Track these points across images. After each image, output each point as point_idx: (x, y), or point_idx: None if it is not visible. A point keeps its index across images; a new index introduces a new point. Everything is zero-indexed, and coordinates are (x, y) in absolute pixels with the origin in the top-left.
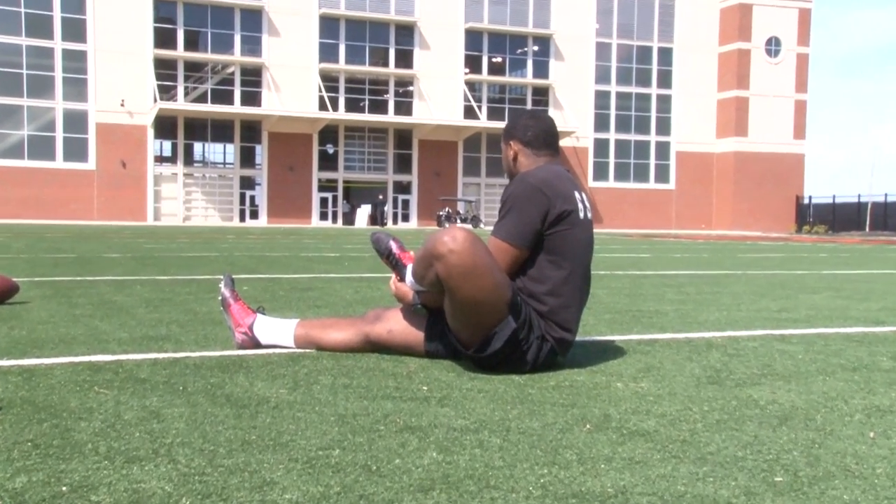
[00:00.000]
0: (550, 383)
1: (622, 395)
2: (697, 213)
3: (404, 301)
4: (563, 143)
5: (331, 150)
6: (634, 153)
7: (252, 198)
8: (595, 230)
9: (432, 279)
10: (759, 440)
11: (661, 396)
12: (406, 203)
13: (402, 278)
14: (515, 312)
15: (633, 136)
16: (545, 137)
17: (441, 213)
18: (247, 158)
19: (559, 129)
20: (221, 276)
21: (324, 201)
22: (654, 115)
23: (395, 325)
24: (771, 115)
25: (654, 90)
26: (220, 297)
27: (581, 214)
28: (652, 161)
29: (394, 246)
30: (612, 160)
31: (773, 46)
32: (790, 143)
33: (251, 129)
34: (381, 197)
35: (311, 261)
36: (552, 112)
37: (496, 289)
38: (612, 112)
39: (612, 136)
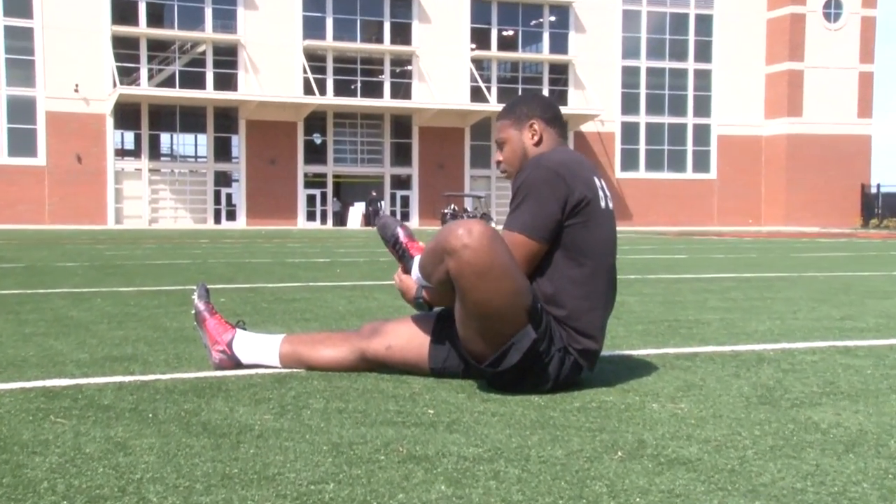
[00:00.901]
0: (575, 405)
1: (658, 417)
2: (743, 207)
3: (407, 296)
4: (585, 128)
5: (318, 141)
6: (669, 138)
7: (228, 196)
8: (624, 228)
9: (441, 277)
10: (821, 469)
11: (705, 419)
12: (405, 200)
13: (407, 270)
14: (535, 321)
15: (666, 119)
16: (559, 118)
17: (446, 210)
18: (222, 151)
19: (581, 111)
20: (194, 287)
21: (311, 199)
22: (691, 93)
23: (395, 340)
24: (830, 91)
25: (691, 64)
26: (193, 312)
27: (602, 203)
28: (689, 147)
29: (401, 233)
30: (642, 147)
31: (832, 10)
32: (853, 124)
33: (226, 118)
34: (374, 193)
35: (298, 267)
36: (573, 93)
37: (515, 293)
38: (643, 91)
39: (643, 118)
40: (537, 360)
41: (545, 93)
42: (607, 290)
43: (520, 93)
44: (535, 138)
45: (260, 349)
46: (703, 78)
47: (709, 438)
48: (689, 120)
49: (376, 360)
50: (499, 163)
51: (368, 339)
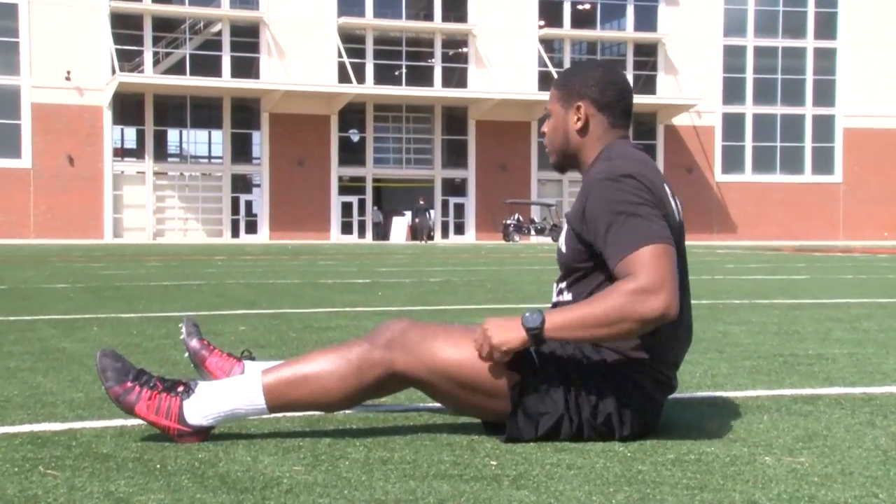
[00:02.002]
0: (669, 456)
1: (773, 473)
2: (877, 217)
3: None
4: (678, 120)
5: (355, 138)
6: (782, 133)
7: (248, 204)
8: (728, 243)
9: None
10: None
11: (831, 477)
12: (460, 209)
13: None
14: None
15: (779, 109)
16: (627, 103)
17: (508, 221)
18: (241, 150)
19: (672, 100)
20: (181, 324)
21: (347, 208)
22: (810, 77)
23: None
24: None
25: (810, 42)
26: (187, 354)
27: (676, 217)
28: (808, 143)
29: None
30: (749, 143)
31: None
32: None
33: (246, 110)
34: (422, 202)
35: (332, 290)
36: (663, 79)
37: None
38: (749, 76)
39: (750, 109)
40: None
41: (629, 78)
42: (686, 316)
43: None
44: (579, 124)
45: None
46: (826, 58)
47: (836, 501)
48: (808, 110)
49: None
50: (542, 133)
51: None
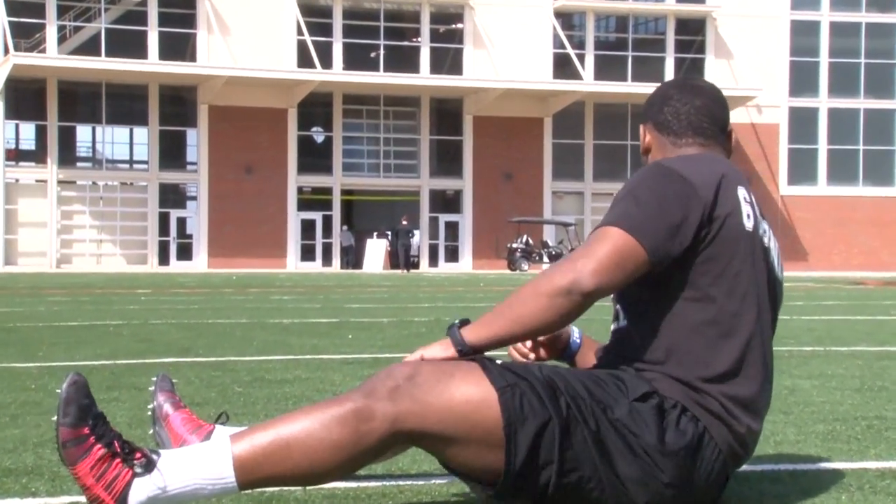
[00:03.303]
0: None
1: None
2: None
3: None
4: (735, 116)
5: (320, 138)
6: (866, 134)
7: (181, 223)
8: (794, 273)
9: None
10: None
11: None
12: (453, 229)
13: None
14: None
15: (862, 103)
16: (694, 117)
17: (515, 245)
18: (172, 153)
19: (725, 92)
20: (154, 378)
21: (308, 228)
22: None
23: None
24: None
25: None
26: (150, 407)
27: (748, 223)
28: None
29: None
30: (823, 147)
31: None
32: None
33: (179, 102)
34: (405, 222)
35: (289, 332)
36: (712, 63)
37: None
38: (824, 59)
39: (824, 102)
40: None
41: (669, 63)
42: (765, 356)
43: (628, 65)
44: (642, 147)
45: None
46: None
47: None
48: None
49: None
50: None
51: (393, 397)
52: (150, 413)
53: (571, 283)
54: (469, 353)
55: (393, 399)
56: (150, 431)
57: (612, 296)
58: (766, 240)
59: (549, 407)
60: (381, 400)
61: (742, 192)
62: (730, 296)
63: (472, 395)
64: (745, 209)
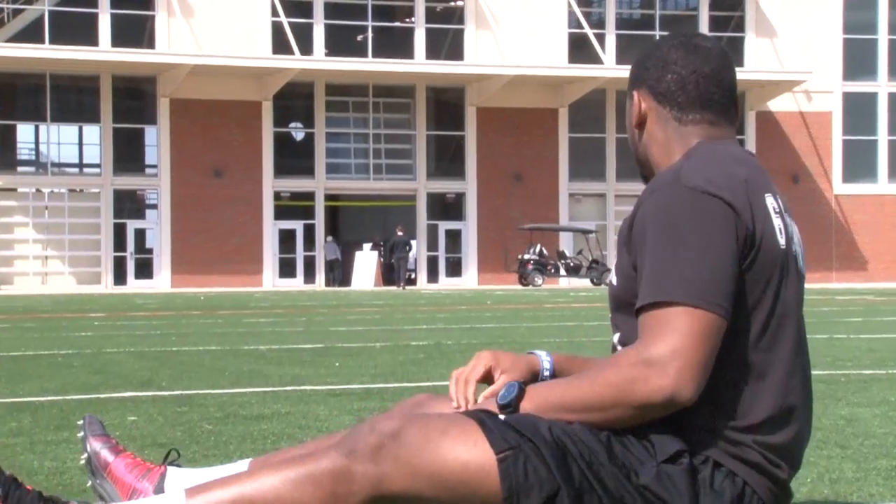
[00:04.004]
0: None
1: None
2: None
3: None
4: (777, 104)
5: (299, 135)
6: None
7: (140, 235)
8: (853, 284)
9: None
10: None
11: None
12: (454, 239)
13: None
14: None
15: None
16: (703, 88)
17: (527, 256)
18: (128, 155)
19: (768, 75)
20: (81, 421)
21: (287, 239)
22: None
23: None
24: None
25: None
26: (84, 457)
27: (780, 239)
28: None
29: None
30: (882, 137)
31: None
32: None
33: (136, 96)
34: (400, 232)
35: (266, 360)
36: (753, 43)
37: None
38: (882, 38)
39: (884, 87)
40: None
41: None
42: (804, 384)
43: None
44: (634, 118)
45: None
46: None
47: None
48: None
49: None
50: None
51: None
52: (83, 464)
53: (672, 396)
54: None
55: (376, 460)
56: (88, 484)
57: (611, 312)
58: (795, 247)
59: (557, 475)
60: (363, 460)
61: (769, 200)
62: (764, 330)
63: (467, 458)
64: (776, 222)
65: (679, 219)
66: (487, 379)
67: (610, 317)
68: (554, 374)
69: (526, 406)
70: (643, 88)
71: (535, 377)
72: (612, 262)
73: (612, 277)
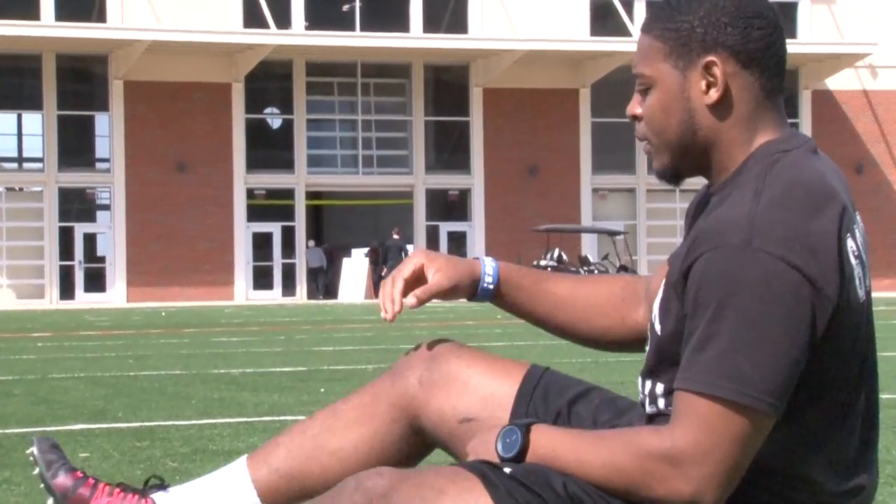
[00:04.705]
0: None
1: None
2: None
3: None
4: (835, 82)
5: (276, 122)
6: None
7: (90, 240)
8: None
9: None
10: None
11: None
12: (459, 242)
13: None
14: None
15: None
16: (781, 44)
17: (543, 262)
18: (76, 146)
19: (825, 48)
20: (31, 448)
21: (262, 244)
22: None
23: (473, 405)
24: None
25: None
26: (44, 487)
27: (860, 293)
28: None
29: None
30: None
31: None
32: None
33: (84, 78)
34: (396, 235)
35: (239, 385)
36: (808, 11)
37: None
38: None
39: None
40: None
41: None
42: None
43: None
44: (715, 94)
45: (219, 497)
46: None
47: None
48: None
49: (439, 432)
50: (634, 119)
51: (428, 384)
52: (43, 487)
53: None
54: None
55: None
56: None
57: (646, 365)
58: (868, 283)
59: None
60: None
61: (850, 244)
62: (833, 403)
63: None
64: (857, 272)
65: (747, 295)
66: (420, 280)
67: (645, 365)
68: (498, 284)
69: (532, 459)
70: (724, 55)
71: (474, 285)
72: (643, 268)
73: (655, 319)
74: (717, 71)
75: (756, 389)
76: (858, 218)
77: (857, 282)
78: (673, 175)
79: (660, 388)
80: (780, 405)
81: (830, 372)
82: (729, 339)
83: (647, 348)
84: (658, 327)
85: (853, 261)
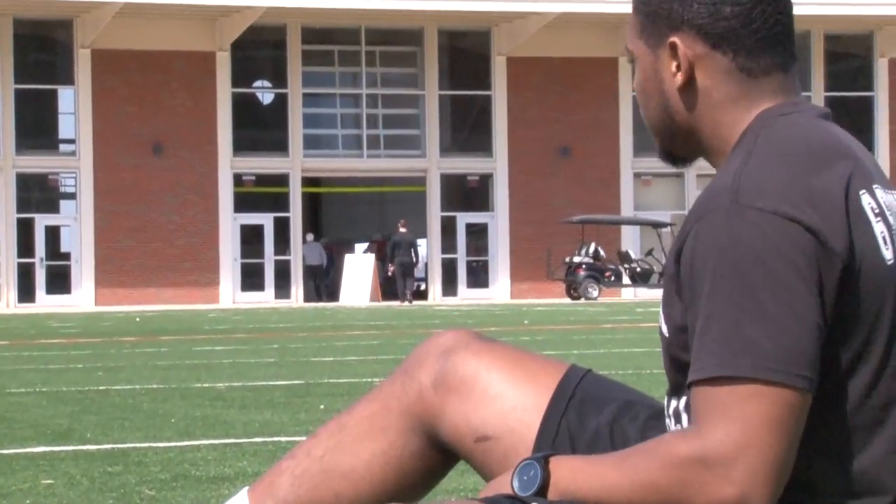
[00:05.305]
0: None
1: None
2: None
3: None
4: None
5: (267, 98)
6: None
7: (53, 235)
8: None
9: None
10: None
11: None
12: (479, 236)
13: None
14: None
15: None
16: (770, 16)
17: (577, 259)
18: (36, 126)
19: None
20: None
21: (251, 238)
22: None
23: (494, 422)
24: None
25: None
26: None
27: (886, 255)
28: None
29: None
30: None
31: None
32: None
33: (44, 45)
34: (402, 229)
35: (225, 402)
36: None
37: None
38: None
39: None
40: None
41: None
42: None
43: None
44: (680, 77)
45: None
46: None
47: None
48: None
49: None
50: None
51: (441, 390)
52: None
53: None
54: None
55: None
56: None
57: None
58: None
59: None
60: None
61: (866, 199)
62: (873, 383)
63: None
64: (878, 230)
65: (743, 258)
66: None
67: (669, 387)
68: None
69: (553, 497)
70: (685, 30)
71: None
72: None
73: (662, 324)
74: (680, 51)
75: (776, 361)
76: (882, 180)
77: (882, 241)
78: (669, 157)
79: (682, 403)
80: (809, 376)
81: (850, 348)
82: (732, 312)
83: (663, 361)
84: (665, 330)
85: (872, 217)
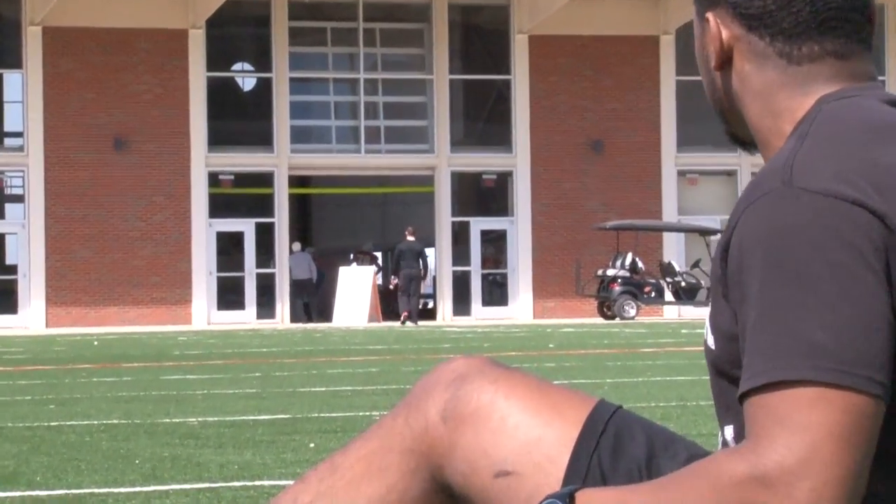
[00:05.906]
0: None
1: None
2: None
3: None
4: None
5: (248, 83)
6: None
7: None
8: None
9: None
10: None
11: None
12: (497, 244)
13: None
14: None
15: None
16: (820, 2)
17: (610, 272)
18: None
19: None
20: None
21: (230, 247)
22: None
23: (516, 458)
24: None
25: None
26: None
27: None
28: None
29: None
30: None
31: None
32: None
33: None
34: (410, 237)
35: (199, 440)
36: None
37: None
38: None
39: None
40: None
41: None
42: None
43: None
44: (713, 51)
45: None
46: None
47: None
48: None
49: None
50: None
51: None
52: None
53: None
54: None
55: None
56: None
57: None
58: None
59: None
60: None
61: None
62: None
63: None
64: None
65: (800, 246)
66: None
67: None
68: None
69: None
70: (719, 8)
71: None
72: None
73: (708, 335)
74: (713, 27)
75: (843, 362)
76: None
77: None
78: (735, 139)
79: (731, 430)
80: (880, 379)
81: None
82: (790, 309)
83: (710, 384)
84: (711, 341)
85: None
